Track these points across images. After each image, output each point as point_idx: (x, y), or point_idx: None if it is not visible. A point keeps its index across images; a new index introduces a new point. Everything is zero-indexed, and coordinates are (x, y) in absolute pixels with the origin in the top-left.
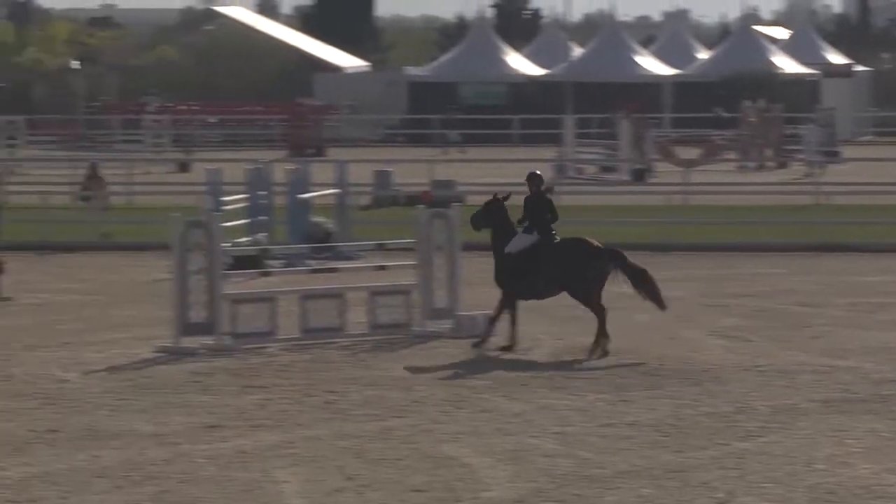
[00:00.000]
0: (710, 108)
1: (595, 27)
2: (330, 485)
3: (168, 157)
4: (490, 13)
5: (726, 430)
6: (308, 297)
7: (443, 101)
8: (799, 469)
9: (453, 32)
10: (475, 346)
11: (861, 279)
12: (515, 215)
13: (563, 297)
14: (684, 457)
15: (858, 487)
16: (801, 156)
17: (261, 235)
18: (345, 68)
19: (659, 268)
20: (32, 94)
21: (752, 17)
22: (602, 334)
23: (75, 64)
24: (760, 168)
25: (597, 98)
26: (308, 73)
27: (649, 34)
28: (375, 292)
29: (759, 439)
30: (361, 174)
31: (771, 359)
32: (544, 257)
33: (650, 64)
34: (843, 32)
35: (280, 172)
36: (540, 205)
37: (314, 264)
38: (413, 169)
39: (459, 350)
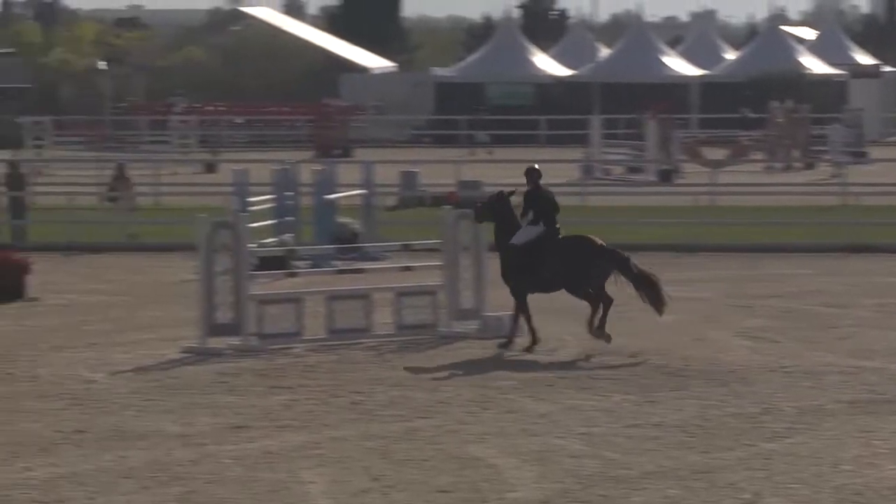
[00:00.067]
0: (738, 108)
1: (622, 27)
2: (356, 485)
3: (195, 158)
4: (517, 13)
5: (752, 430)
6: (334, 297)
7: (469, 101)
8: (825, 470)
9: (480, 33)
10: (501, 346)
11: (888, 280)
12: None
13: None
14: (711, 457)
15: (885, 488)
16: (827, 156)
17: (287, 236)
18: (371, 69)
19: (685, 269)
20: (59, 95)
21: (779, 18)
22: (602, 324)
23: (102, 65)
24: (788, 169)
25: (624, 99)
26: (334, 74)
27: (676, 34)
28: (401, 293)
29: (785, 440)
30: (388, 175)
31: (797, 360)
32: (549, 250)
33: (677, 64)
34: (870, 33)
35: (306, 173)
36: (541, 198)
37: (340, 265)
38: (439, 170)
39: (485, 351)
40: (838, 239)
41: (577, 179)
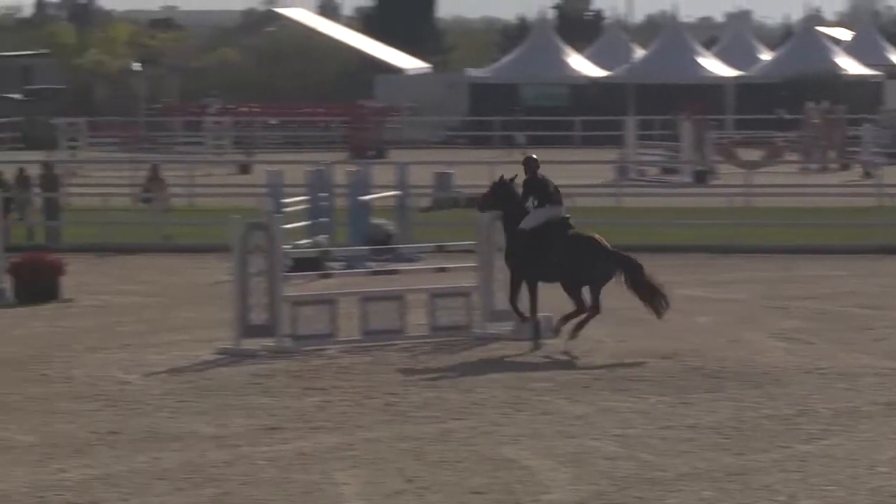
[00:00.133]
0: (773, 109)
1: (657, 28)
2: (390, 487)
3: (229, 159)
4: (551, 14)
5: (788, 432)
6: (368, 299)
7: (504, 102)
8: (861, 472)
9: (514, 34)
10: (536, 348)
11: None
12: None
13: (628, 298)
14: (745, 459)
15: None
16: (861, 157)
17: (321, 237)
18: (406, 70)
19: (720, 270)
20: (94, 96)
21: (815, 18)
22: (580, 326)
23: (136, 65)
24: (823, 170)
25: (659, 99)
26: (369, 75)
27: (712, 35)
28: (435, 294)
29: (820, 442)
30: (422, 176)
31: (832, 361)
32: (558, 235)
33: (712, 65)
34: None
35: (341, 174)
36: (540, 184)
37: (374, 266)
38: (474, 171)
39: (520, 352)
40: (874, 240)
41: (612, 180)
